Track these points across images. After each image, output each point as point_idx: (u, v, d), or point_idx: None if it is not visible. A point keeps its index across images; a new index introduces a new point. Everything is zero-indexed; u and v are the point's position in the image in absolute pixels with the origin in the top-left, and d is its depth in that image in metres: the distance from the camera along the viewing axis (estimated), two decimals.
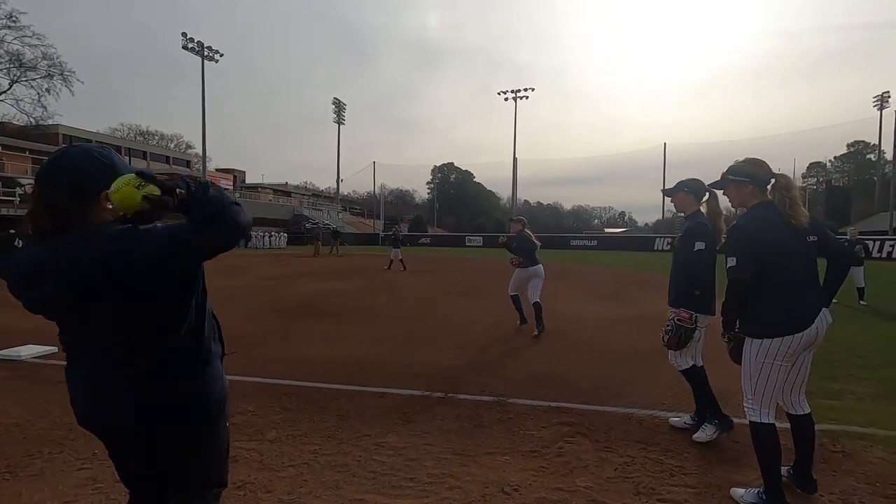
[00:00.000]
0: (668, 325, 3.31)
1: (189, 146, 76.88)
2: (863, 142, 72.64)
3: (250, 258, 25.99)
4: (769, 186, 2.50)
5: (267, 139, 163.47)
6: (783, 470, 2.53)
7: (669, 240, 41.14)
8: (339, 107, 64.04)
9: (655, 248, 40.57)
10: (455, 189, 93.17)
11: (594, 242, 43.81)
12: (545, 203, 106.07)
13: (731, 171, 2.63)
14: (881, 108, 43.21)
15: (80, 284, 1.25)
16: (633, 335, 6.60)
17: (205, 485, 1.54)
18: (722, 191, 2.78)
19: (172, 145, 76.49)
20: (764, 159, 2.59)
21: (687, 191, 3.37)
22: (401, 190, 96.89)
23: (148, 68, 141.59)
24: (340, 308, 8.96)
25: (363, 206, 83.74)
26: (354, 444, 3.14)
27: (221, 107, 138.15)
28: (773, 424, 2.42)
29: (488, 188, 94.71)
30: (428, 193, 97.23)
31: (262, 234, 43.95)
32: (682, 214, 3.50)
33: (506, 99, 52.60)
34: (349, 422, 3.50)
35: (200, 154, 47.66)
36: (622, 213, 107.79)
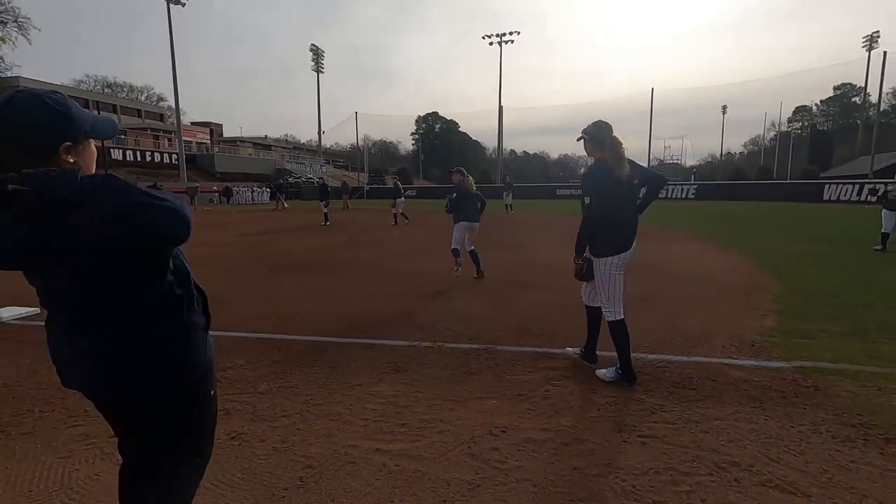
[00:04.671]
0: None
1: (161, 98, 73.66)
2: (850, 84, 72.30)
3: (232, 214, 25.55)
4: (606, 145, 3.21)
5: (243, 91, 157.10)
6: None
7: None
8: (316, 54, 61.21)
9: (640, 194, 40.76)
10: (440, 140, 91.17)
11: (580, 192, 43.72)
12: (531, 153, 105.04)
13: (583, 131, 3.34)
14: (870, 49, 42.50)
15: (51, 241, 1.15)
16: None
17: (182, 457, 1.44)
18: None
19: (143, 97, 73.18)
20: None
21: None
22: (384, 141, 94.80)
23: (109, 14, 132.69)
24: (326, 263, 8.93)
25: (347, 158, 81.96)
26: (346, 393, 3.20)
27: (194, 58, 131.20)
28: (623, 319, 3.30)
29: (474, 138, 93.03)
30: (413, 145, 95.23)
31: (243, 189, 43.04)
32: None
33: (490, 43, 50.74)
34: (340, 373, 3.56)
35: (173, 107, 45.62)
36: None
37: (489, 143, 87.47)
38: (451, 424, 2.77)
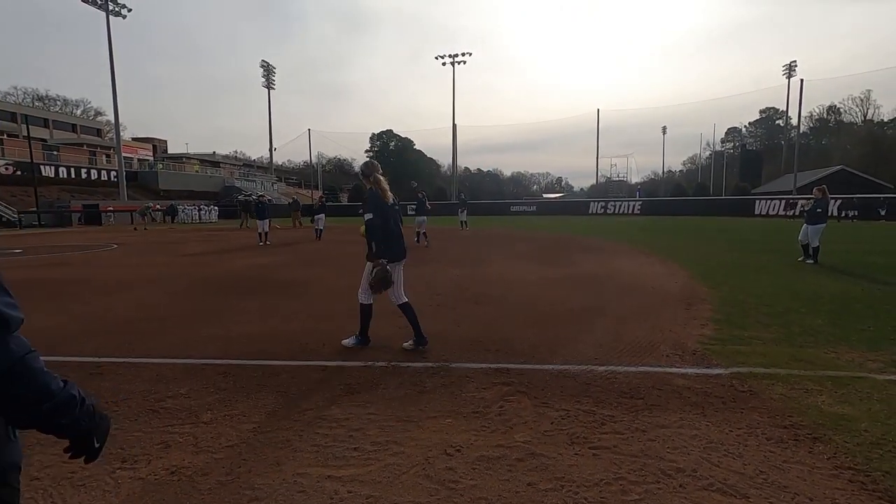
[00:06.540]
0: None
1: (99, 113, 70.11)
2: (773, 108, 78.60)
3: (179, 234, 24.40)
4: (374, 177, 4.38)
5: (190, 107, 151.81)
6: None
7: (602, 203, 43.02)
8: (267, 70, 60.26)
9: (590, 211, 42.33)
10: (395, 157, 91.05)
11: (533, 208, 44.98)
12: (485, 170, 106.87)
13: (360, 167, 4.56)
14: (789, 77, 46.54)
15: None
16: (567, 295, 6.91)
17: None
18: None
19: (79, 112, 69.30)
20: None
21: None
22: (339, 159, 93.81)
23: (43, 24, 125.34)
24: (275, 282, 8.67)
25: (300, 176, 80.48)
26: (296, 419, 3.09)
27: (136, 70, 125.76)
28: (371, 305, 4.53)
29: (429, 155, 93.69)
30: None
31: (190, 207, 41.31)
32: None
33: (443, 64, 51.75)
34: (290, 397, 3.44)
35: (113, 122, 43.39)
36: (559, 179, 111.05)
37: (444, 160, 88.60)
38: (405, 446, 2.73)
